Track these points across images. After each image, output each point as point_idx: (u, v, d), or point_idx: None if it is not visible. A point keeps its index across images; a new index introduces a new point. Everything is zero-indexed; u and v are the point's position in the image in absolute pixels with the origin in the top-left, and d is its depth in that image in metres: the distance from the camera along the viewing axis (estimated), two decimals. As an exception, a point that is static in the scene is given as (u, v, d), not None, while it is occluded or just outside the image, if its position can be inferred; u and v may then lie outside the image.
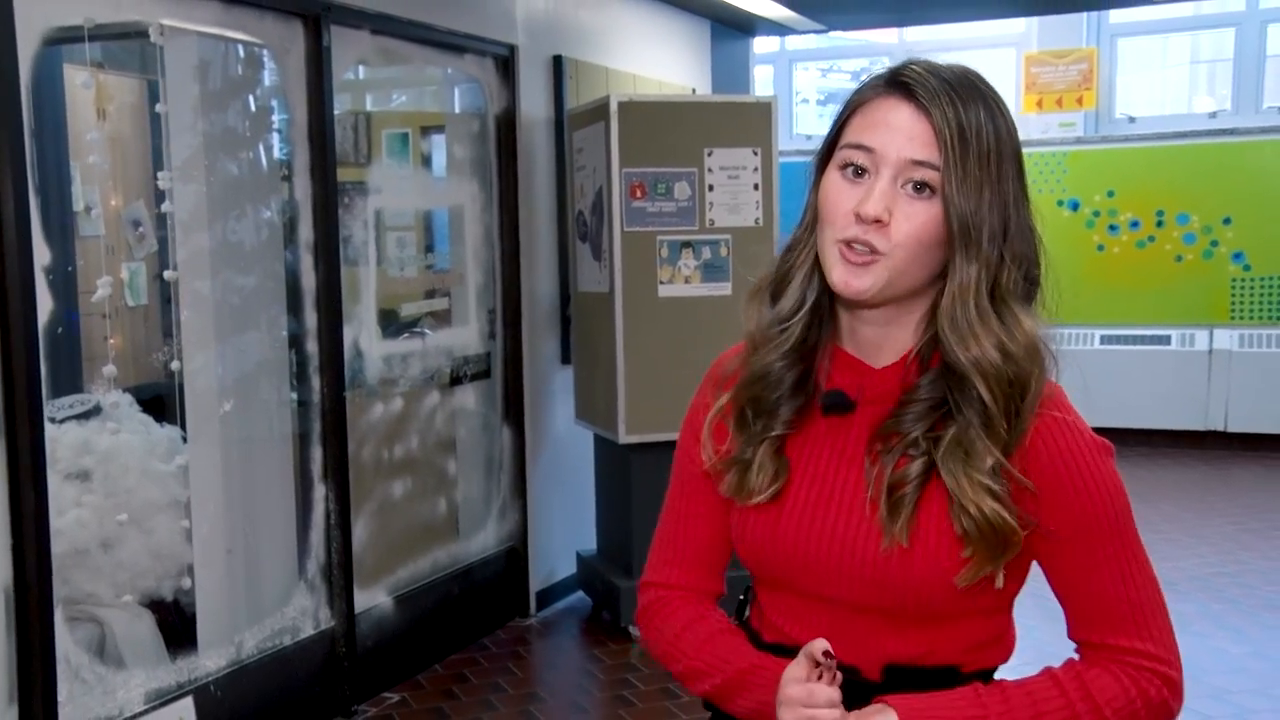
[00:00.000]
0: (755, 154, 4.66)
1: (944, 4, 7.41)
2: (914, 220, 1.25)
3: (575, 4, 5.51)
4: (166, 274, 3.69)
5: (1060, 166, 8.83)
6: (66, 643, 3.19)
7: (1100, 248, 8.74)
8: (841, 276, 1.28)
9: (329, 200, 4.05)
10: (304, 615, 4.04)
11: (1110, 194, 8.73)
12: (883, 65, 1.37)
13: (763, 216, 4.66)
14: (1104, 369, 8.45)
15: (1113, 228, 8.73)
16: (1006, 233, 1.26)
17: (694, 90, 6.55)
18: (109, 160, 5.20)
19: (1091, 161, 8.80)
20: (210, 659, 3.70)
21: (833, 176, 1.30)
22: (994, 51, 9.41)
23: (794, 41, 9.61)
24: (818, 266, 1.33)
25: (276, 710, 3.88)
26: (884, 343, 1.34)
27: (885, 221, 1.25)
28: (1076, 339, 8.66)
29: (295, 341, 4.07)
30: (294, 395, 4.11)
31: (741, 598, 1.50)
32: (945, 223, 1.25)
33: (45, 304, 3.07)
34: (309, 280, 4.04)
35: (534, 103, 5.16)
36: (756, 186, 4.66)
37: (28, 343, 3.00)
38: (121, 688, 3.36)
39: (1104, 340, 8.65)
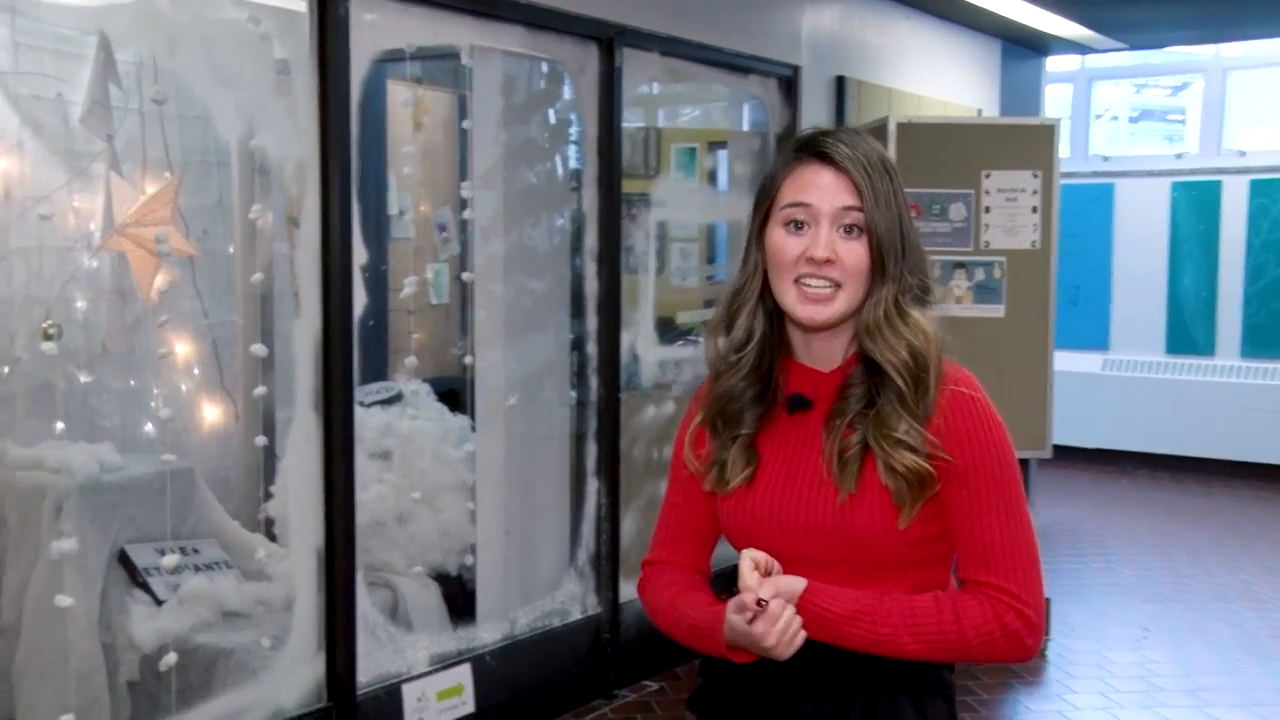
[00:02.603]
0: (1035, 176, 4.62)
1: (1261, 18, 7.03)
2: (853, 255, 1.59)
3: (861, 26, 5.59)
4: (464, 275, 4.04)
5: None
6: (365, 603, 3.57)
7: None
8: (806, 312, 1.60)
9: (613, 211, 4.32)
10: (572, 600, 4.31)
11: None
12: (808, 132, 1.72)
13: (1040, 239, 4.61)
14: None
15: None
16: (904, 253, 1.61)
17: (980, 111, 6.50)
18: (421, 169, 5.69)
19: None
20: (487, 631, 4.02)
21: (777, 232, 1.62)
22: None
23: (1095, 59, 9.30)
24: (761, 304, 1.66)
25: (544, 686, 4.16)
26: (830, 353, 1.66)
27: (834, 260, 1.58)
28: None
29: (577, 343, 4.36)
30: (573, 394, 4.40)
31: (730, 578, 1.76)
32: (870, 252, 1.59)
33: (360, 299, 3.44)
34: (591, 286, 4.32)
35: (815, 121, 5.28)
36: (1035, 209, 4.62)
37: (344, 334, 3.38)
38: (410, 648, 3.71)
39: None
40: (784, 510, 1.64)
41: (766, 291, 1.65)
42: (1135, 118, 10.08)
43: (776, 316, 1.66)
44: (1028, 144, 4.66)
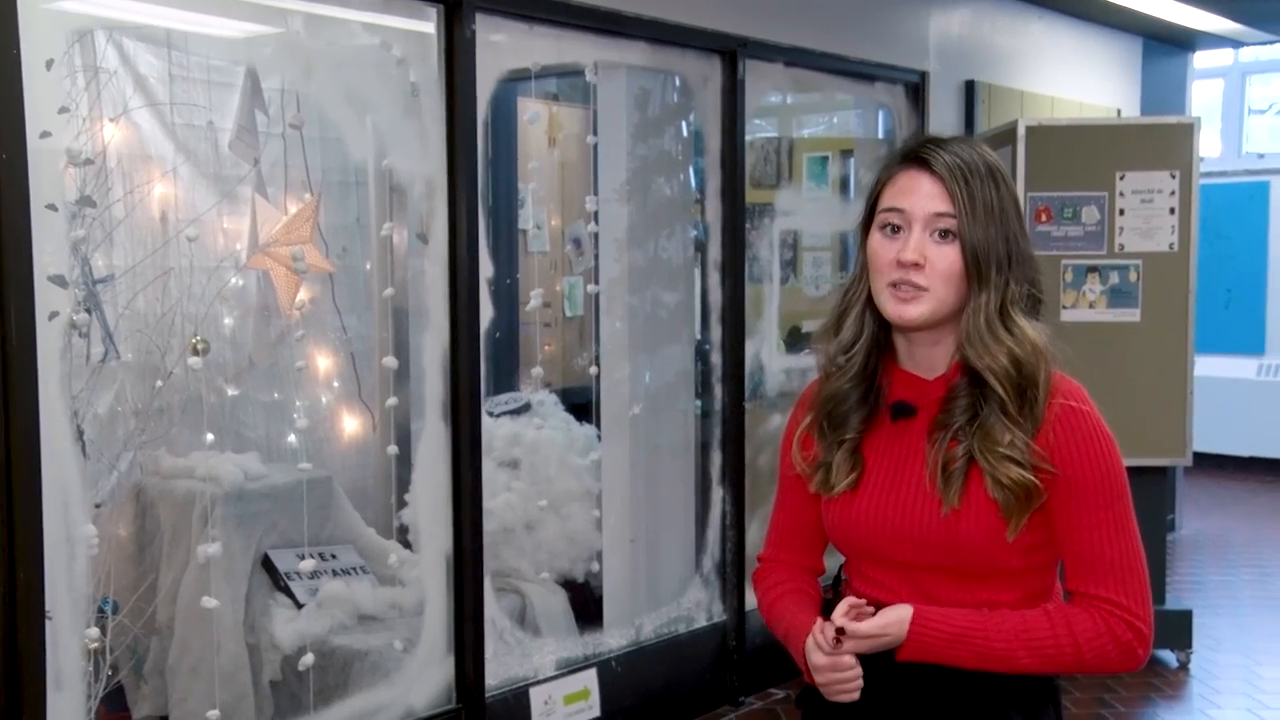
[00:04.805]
0: (1173, 177, 4.48)
1: None
2: (944, 259, 1.60)
3: (991, 29, 5.51)
4: (589, 288, 4.12)
5: None
6: (493, 608, 3.66)
7: None
8: (896, 310, 1.63)
9: (737, 222, 4.34)
10: (698, 607, 4.34)
11: None
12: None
13: (1178, 241, 4.48)
14: None
15: None
16: (1010, 261, 1.61)
17: (1119, 111, 6.32)
18: (557, 184, 5.81)
19: None
20: (613, 637, 4.08)
21: (875, 236, 1.66)
22: None
23: (1249, 53, 8.94)
24: (869, 306, 1.68)
25: (669, 691, 4.21)
26: (933, 359, 1.68)
27: (922, 264, 1.60)
28: None
29: (701, 353, 4.40)
30: (698, 403, 4.44)
31: (836, 576, 1.81)
32: (963, 258, 1.60)
33: (487, 312, 3.54)
34: (715, 296, 4.35)
35: (943, 127, 5.22)
36: (1173, 210, 4.49)
37: (471, 346, 3.49)
38: (536, 653, 3.80)
39: None
40: (888, 518, 1.66)
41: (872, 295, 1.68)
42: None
43: (883, 320, 1.68)
44: (1165, 144, 4.52)
